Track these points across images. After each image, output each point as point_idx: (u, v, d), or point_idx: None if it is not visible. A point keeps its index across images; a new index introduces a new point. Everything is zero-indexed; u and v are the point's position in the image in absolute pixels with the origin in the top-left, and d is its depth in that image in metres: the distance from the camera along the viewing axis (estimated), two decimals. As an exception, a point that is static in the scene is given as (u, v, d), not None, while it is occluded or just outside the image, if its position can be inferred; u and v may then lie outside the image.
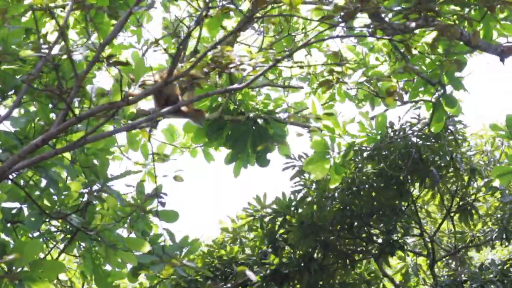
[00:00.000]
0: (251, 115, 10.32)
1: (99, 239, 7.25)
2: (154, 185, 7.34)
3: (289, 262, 11.52)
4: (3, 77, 6.92)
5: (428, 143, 10.85)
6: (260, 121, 10.27)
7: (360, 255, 11.67)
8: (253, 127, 10.41)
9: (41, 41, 6.05)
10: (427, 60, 9.30)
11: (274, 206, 11.89)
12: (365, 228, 11.23)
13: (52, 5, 6.17)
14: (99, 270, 7.77)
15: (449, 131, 11.06)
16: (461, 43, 8.43)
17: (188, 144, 11.18)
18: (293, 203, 11.57)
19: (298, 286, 11.61)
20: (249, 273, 11.05)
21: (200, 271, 10.04)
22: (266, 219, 11.84)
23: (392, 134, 10.88)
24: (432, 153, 10.92)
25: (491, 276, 11.08)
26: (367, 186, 10.89)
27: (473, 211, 11.63)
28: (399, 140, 10.77)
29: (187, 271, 9.52)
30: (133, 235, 7.74)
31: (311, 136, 9.97)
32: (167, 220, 7.59)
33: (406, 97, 9.84)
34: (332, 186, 10.53)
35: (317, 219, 11.12)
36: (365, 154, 10.74)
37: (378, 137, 10.52)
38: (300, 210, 11.48)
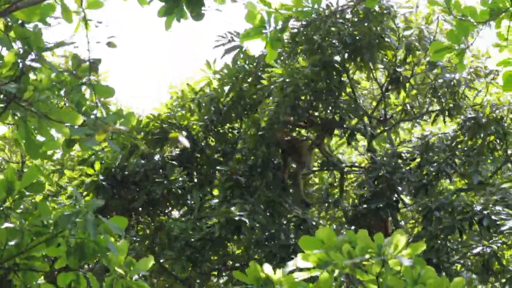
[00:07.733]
0: None
1: (32, 109, 7.18)
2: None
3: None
4: None
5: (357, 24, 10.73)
6: None
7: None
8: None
9: None
10: None
11: (225, 71, 11.91)
12: (307, 114, 11.27)
13: None
14: (33, 139, 7.72)
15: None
16: None
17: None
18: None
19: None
20: (182, 139, 11.19)
21: (134, 139, 10.04)
22: (215, 85, 11.88)
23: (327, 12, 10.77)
24: (362, 34, 10.85)
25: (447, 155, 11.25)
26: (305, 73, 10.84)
27: (406, 83, 11.69)
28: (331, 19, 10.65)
29: (120, 140, 9.55)
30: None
31: (247, 9, 9.76)
32: (103, 95, 7.52)
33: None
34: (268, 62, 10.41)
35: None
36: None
37: (314, 12, 10.37)
38: None
